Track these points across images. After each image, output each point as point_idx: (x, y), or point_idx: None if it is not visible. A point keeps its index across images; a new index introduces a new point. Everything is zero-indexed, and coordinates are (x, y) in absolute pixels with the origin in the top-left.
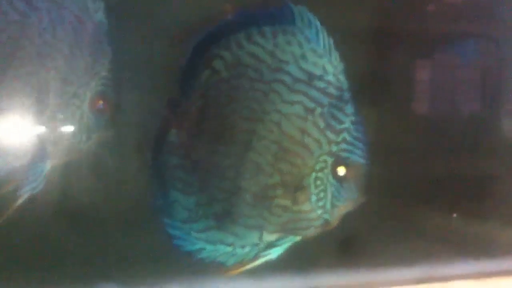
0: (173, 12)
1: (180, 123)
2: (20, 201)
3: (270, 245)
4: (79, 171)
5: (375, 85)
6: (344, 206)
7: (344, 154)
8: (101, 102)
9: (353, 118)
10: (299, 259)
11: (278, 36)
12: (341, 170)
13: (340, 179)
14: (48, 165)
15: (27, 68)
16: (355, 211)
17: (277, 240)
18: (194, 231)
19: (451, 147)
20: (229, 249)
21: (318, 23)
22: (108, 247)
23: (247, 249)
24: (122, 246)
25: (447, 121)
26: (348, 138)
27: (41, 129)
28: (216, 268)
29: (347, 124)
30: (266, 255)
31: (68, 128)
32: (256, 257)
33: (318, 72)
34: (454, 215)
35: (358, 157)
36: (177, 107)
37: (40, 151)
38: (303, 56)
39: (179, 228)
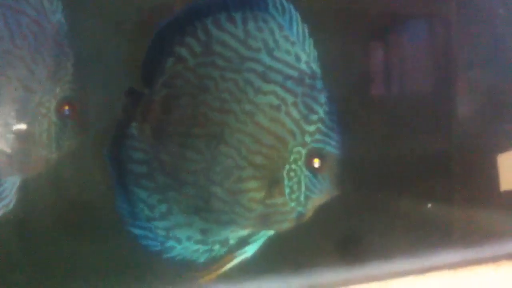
0: None
1: (142, 115)
2: None
3: (243, 241)
4: (50, 181)
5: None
6: (319, 198)
7: (318, 145)
8: (67, 107)
9: (326, 107)
10: (274, 258)
11: (249, 23)
12: (316, 162)
13: (314, 171)
14: (18, 180)
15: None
16: (326, 205)
17: (250, 235)
18: (161, 229)
19: (420, 131)
20: (199, 246)
21: (292, 10)
22: (78, 254)
23: (218, 246)
24: (90, 252)
25: (420, 105)
26: (322, 128)
27: (8, 143)
28: (189, 266)
29: (321, 114)
30: (241, 254)
31: (37, 139)
32: (229, 253)
33: (291, 60)
34: (429, 205)
35: (333, 148)
36: (138, 98)
37: (9, 166)
38: (276, 44)
39: (144, 228)
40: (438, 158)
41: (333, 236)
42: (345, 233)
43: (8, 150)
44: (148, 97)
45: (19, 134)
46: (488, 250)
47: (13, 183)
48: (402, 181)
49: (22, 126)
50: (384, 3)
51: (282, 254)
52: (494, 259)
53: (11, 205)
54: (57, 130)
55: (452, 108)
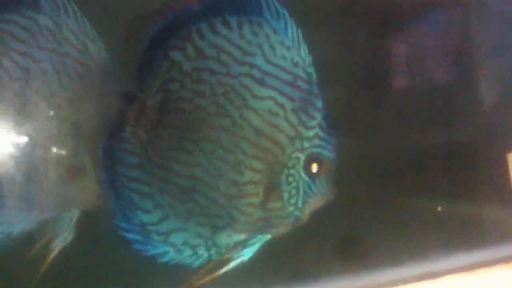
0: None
1: (137, 119)
2: (53, 254)
3: (240, 245)
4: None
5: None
6: (316, 202)
7: (316, 150)
8: None
9: (323, 112)
10: (276, 265)
11: (244, 27)
12: (314, 167)
13: (312, 175)
14: (75, 214)
15: (39, 122)
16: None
17: (247, 239)
18: (155, 234)
19: (429, 127)
20: (195, 251)
21: (286, 15)
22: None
23: (213, 250)
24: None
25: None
26: (320, 133)
27: (62, 180)
28: (183, 271)
29: (318, 119)
30: (237, 257)
31: (89, 174)
32: (224, 257)
33: (287, 65)
34: (439, 208)
35: (330, 153)
36: (133, 102)
37: (66, 201)
38: (271, 49)
39: (137, 232)
40: (448, 155)
41: (338, 241)
42: (352, 237)
43: (63, 187)
44: (142, 101)
45: (72, 170)
46: (502, 251)
47: (70, 217)
48: (410, 180)
49: (74, 164)
50: None
51: (284, 261)
52: (508, 259)
53: (69, 239)
54: None
55: (464, 102)
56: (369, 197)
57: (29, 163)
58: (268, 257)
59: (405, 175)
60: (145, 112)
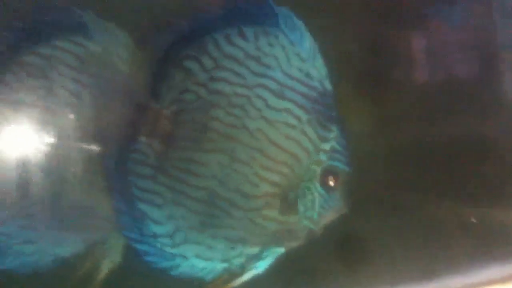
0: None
1: (150, 130)
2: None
3: (254, 258)
4: None
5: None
6: (330, 215)
7: (333, 163)
8: None
9: (339, 125)
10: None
11: (260, 38)
12: (330, 180)
13: (328, 189)
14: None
15: (89, 146)
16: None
17: (261, 252)
18: (168, 246)
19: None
20: (207, 263)
21: (302, 26)
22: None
23: (226, 263)
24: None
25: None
26: (336, 146)
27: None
28: (195, 284)
29: (335, 131)
30: (251, 269)
31: None
32: (238, 271)
33: (303, 77)
34: (473, 219)
35: (345, 165)
36: (146, 113)
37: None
38: (288, 60)
39: (149, 244)
40: (477, 157)
41: (358, 252)
42: (374, 248)
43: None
44: (156, 112)
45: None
46: None
47: (119, 238)
48: (435, 185)
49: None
50: None
51: (295, 274)
52: None
53: (117, 261)
54: None
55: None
56: (392, 205)
57: (77, 186)
58: (282, 268)
59: (430, 180)
60: (159, 122)
